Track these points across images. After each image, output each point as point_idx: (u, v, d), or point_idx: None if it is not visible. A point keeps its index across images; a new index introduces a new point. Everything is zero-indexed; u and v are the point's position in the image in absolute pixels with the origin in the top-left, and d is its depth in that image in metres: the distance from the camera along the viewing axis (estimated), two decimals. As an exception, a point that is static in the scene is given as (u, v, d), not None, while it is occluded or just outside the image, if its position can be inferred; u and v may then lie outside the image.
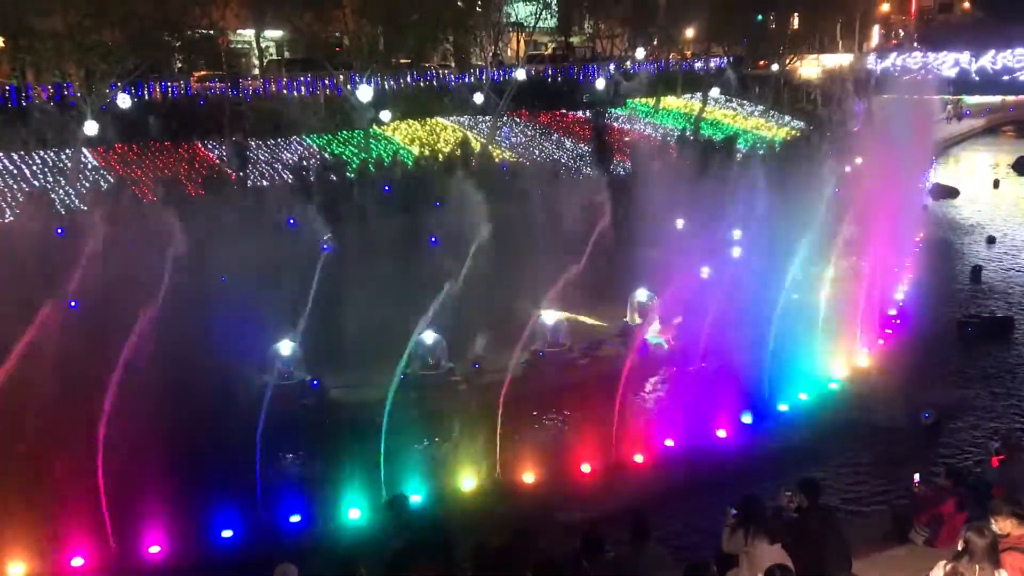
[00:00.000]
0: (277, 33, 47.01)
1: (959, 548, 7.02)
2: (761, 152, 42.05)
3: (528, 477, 14.23)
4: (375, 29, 38.69)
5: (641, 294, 20.61)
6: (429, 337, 17.52)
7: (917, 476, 11.81)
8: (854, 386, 17.97)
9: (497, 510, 13.30)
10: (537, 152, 43.17)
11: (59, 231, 26.42)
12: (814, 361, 18.01)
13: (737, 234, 24.06)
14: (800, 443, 15.57)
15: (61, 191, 30.18)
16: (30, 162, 31.34)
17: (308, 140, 38.33)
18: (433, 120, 43.23)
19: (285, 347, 17.24)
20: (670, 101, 54.18)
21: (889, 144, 22.14)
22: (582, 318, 20.84)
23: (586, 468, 14.44)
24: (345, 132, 39.30)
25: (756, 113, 56.33)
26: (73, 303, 20.98)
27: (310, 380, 17.32)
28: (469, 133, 42.75)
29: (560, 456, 14.74)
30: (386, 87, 40.74)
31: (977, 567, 6.78)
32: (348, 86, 38.04)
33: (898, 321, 21.75)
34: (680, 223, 27.41)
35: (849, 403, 17.22)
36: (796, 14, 62.02)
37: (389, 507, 10.62)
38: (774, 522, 8.78)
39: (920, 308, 22.51)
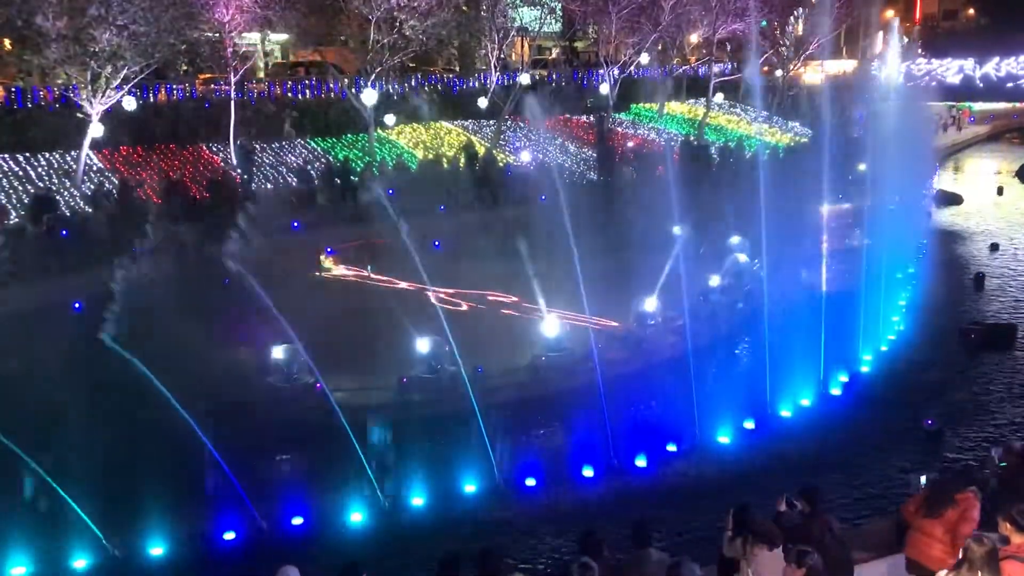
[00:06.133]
0: (283, 36, 47.07)
1: (959, 556, 7.03)
2: (765, 158, 42.00)
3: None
4: (380, 34, 38.72)
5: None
6: (429, 342, 17.54)
7: (923, 478, 11.79)
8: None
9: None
10: (541, 156, 43.18)
11: (63, 233, 26.47)
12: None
13: (736, 240, 24.05)
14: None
15: (66, 193, 30.25)
16: (35, 164, 31.42)
17: (312, 143, 38.40)
18: (437, 124, 43.28)
19: (288, 350, 17.24)
20: (674, 106, 54.22)
21: (892, 151, 22.13)
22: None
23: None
24: (349, 135, 39.37)
25: (760, 119, 56.29)
26: (77, 305, 21.18)
27: (314, 383, 17.33)
28: (473, 137, 42.82)
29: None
30: (390, 91, 40.78)
31: (978, 575, 6.78)
32: (352, 90, 38.09)
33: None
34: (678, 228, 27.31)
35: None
36: (800, 20, 61.94)
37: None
38: (773, 527, 8.77)
39: (923, 315, 22.51)
